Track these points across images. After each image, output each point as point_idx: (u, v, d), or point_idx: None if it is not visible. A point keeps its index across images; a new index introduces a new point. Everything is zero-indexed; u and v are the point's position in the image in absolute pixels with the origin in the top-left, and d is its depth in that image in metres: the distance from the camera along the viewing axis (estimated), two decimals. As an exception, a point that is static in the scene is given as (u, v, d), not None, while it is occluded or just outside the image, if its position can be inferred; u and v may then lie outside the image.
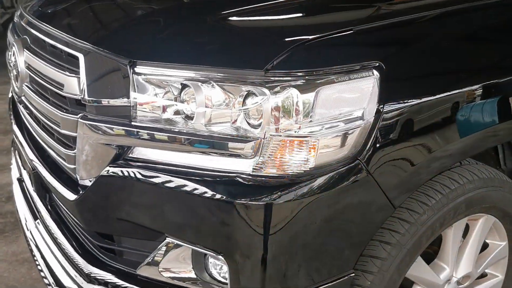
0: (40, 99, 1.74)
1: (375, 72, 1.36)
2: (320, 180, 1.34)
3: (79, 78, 1.50)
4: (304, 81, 1.31)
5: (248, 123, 1.34)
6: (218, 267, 1.48)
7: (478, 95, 1.58)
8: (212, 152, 1.36)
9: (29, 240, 2.02)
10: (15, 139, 2.18)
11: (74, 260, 1.66)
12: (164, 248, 1.46)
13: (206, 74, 1.34)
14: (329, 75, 1.32)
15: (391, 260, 1.55)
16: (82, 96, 1.48)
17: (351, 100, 1.36)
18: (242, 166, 1.34)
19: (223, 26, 1.55)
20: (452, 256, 1.78)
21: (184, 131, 1.37)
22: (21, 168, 2.18)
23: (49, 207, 1.89)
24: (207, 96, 1.34)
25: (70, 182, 1.62)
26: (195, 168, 1.37)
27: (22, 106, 2.00)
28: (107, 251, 1.63)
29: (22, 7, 2.14)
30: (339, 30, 1.41)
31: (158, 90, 1.40)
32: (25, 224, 2.07)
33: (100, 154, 1.47)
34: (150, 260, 1.49)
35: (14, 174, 2.31)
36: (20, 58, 1.88)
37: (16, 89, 1.98)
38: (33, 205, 2.02)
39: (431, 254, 1.81)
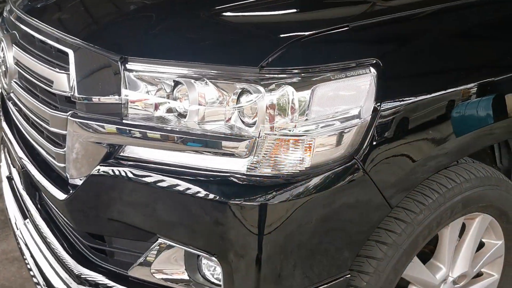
0: (29, 96, 1.70)
1: (372, 69, 1.34)
2: (316, 180, 1.32)
3: (69, 74, 1.47)
4: (299, 78, 1.28)
5: (243, 122, 1.31)
6: (212, 268, 1.46)
7: (475, 94, 1.57)
8: (205, 151, 1.33)
9: (19, 239, 1.99)
10: (4, 137, 2.15)
11: (64, 260, 1.64)
12: (156, 249, 1.44)
13: (200, 71, 1.31)
14: (325, 72, 1.30)
15: (387, 261, 1.54)
16: (72, 93, 1.45)
17: (348, 98, 1.34)
18: (236, 165, 1.31)
19: (217, 21, 1.52)
20: (448, 255, 1.77)
21: (177, 130, 1.34)
22: (11, 166, 2.15)
23: (38, 206, 1.87)
24: (200, 94, 1.31)
25: (60, 181, 1.59)
26: (188, 167, 1.34)
27: (11, 103, 1.96)
28: (98, 251, 1.61)
29: (12, 1, 2.10)
30: (336, 26, 1.38)
31: (150, 87, 1.37)
32: (15, 223, 2.04)
33: (90, 153, 1.44)
34: (142, 261, 1.47)
35: (4, 172, 2.28)
36: (8, 53, 1.85)
37: (5, 86, 1.94)
38: (22, 204, 1.99)
39: (427, 254, 1.80)
